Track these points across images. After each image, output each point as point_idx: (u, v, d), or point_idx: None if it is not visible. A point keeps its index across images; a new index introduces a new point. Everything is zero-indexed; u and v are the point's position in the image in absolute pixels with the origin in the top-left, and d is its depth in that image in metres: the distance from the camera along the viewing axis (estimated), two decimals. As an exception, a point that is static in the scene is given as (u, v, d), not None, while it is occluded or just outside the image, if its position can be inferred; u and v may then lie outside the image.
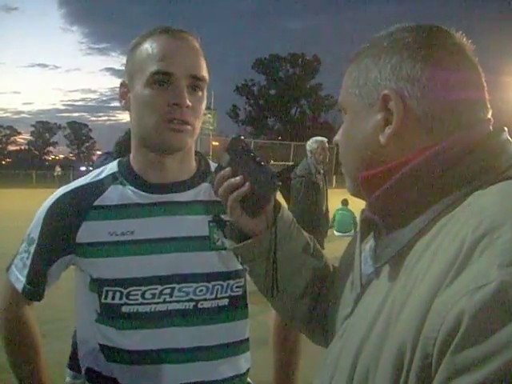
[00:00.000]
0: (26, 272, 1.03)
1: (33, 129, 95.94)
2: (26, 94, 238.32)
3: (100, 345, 0.99)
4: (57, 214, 1.00)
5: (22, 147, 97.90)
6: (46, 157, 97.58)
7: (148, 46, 0.95)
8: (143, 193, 1.01)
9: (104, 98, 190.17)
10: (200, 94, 0.98)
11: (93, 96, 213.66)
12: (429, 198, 0.58)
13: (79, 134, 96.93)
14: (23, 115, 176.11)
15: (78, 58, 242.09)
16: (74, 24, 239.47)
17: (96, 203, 1.00)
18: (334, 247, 3.09)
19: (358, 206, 0.69)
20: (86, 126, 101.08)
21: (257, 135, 51.12)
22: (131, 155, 1.05)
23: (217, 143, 24.41)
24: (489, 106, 0.64)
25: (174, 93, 0.93)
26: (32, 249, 1.02)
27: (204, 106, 1.00)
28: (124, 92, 1.01)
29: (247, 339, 1.08)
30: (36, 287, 1.03)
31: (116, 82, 1.03)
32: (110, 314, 0.97)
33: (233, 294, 1.03)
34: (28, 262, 1.03)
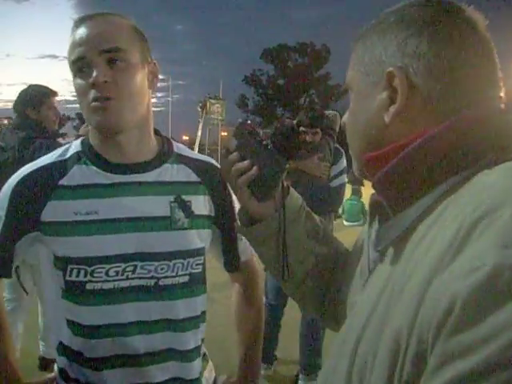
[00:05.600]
0: None
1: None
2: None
3: (67, 320, 1.02)
4: (22, 192, 1.00)
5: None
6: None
7: (70, 38, 0.98)
8: (106, 173, 1.02)
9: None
10: (122, 64, 0.95)
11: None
12: (434, 178, 0.55)
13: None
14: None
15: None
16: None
17: (60, 183, 1.01)
18: (344, 236, 3.07)
19: (368, 196, 0.67)
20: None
21: (266, 125, 50.99)
22: (90, 134, 1.06)
23: (225, 133, 24.30)
24: (501, 84, 0.60)
25: (90, 74, 0.93)
26: None
27: (136, 75, 0.97)
28: None
29: (204, 312, 1.13)
30: (3, 264, 1.04)
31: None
32: (74, 291, 1.00)
33: (193, 271, 1.06)
34: None
